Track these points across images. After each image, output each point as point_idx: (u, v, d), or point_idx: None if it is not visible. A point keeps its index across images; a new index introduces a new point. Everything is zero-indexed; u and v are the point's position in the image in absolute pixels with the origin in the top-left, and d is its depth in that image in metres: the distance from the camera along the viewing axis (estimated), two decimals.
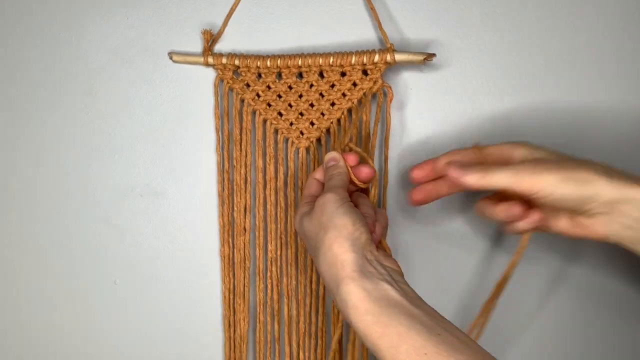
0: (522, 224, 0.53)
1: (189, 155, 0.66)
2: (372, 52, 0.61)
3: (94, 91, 0.66)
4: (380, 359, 0.42)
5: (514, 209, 0.52)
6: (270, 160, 0.64)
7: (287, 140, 0.64)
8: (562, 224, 0.53)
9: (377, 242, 0.51)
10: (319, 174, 0.56)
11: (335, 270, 0.45)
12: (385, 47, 0.61)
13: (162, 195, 0.67)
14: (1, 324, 0.70)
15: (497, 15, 0.63)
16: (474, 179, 0.50)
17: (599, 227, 0.50)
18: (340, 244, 0.46)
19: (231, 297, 0.66)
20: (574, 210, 0.50)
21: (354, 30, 0.63)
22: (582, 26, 0.62)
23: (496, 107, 0.63)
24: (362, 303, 0.43)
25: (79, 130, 0.67)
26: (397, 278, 0.46)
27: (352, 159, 0.55)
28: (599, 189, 0.48)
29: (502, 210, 0.52)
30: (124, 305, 0.69)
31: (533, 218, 0.52)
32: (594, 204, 0.49)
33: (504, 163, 0.52)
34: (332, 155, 0.55)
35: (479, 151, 0.55)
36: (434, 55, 0.60)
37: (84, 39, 0.66)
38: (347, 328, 0.66)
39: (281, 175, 0.64)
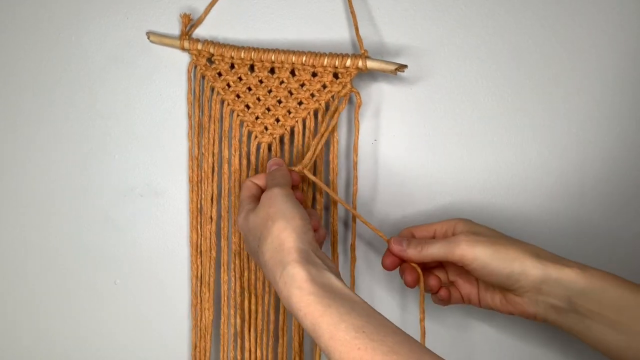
0: (435, 297, 0.58)
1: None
2: (344, 56, 0.60)
3: (94, 91, 0.66)
4: (317, 337, 0.43)
5: (442, 293, 0.57)
6: (235, 152, 0.64)
7: (250, 133, 0.63)
8: (496, 300, 0.56)
9: None
10: (258, 180, 0.57)
11: (282, 255, 0.46)
12: (359, 52, 0.60)
13: (162, 195, 0.67)
14: (1, 324, 0.70)
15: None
16: (414, 252, 0.55)
17: (527, 306, 0.53)
18: (288, 234, 0.47)
19: (198, 284, 0.66)
20: (506, 287, 0.53)
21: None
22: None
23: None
24: (306, 284, 0.44)
25: (79, 130, 0.67)
26: (338, 274, 0.47)
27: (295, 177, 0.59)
28: (526, 267, 0.51)
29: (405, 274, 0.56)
30: (124, 305, 0.68)
31: (441, 294, 0.57)
32: (522, 283, 0.52)
33: (448, 236, 0.57)
34: (276, 160, 0.58)
35: (425, 229, 0.59)
36: (405, 66, 0.59)
37: (84, 39, 0.65)
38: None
39: (245, 168, 0.64)
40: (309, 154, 0.59)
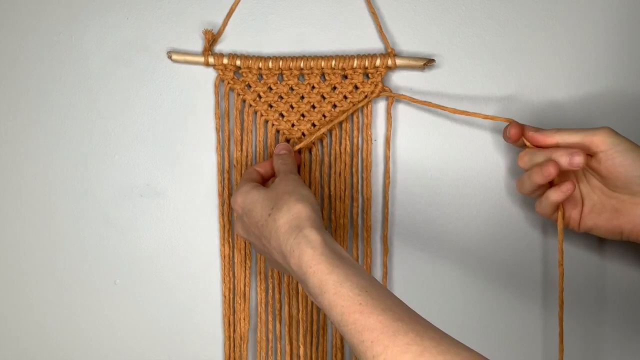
0: (554, 193, 0.56)
1: (189, 155, 0.66)
2: (373, 56, 0.62)
3: (94, 91, 0.66)
4: (322, 294, 0.47)
5: (549, 167, 0.54)
6: None
7: (288, 141, 0.65)
8: (603, 217, 0.56)
9: None
10: (261, 167, 0.61)
11: (299, 221, 0.51)
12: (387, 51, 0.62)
13: (162, 195, 0.67)
14: (1, 324, 0.69)
15: (497, 16, 0.64)
16: (542, 136, 0.56)
17: None
18: (305, 206, 0.52)
19: (231, 296, 0.66)
20: (631, 186, 0.53)
21: (355, 31, 0.64)
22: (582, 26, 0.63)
23: (497, 109, 0.65)
24: (319, 245, 0.49)
25: (79, 130, 0.66)
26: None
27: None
28: None
29: (538, 172, 0.55)
30: (124, 305, 0.69)
31: (566, 186, 0.55)
32: None
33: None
34: (285, 144, 0.62)
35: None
36: (433, 61, 0.62)
37: (83, 39, 0.65)
38: None
39: None
40: (308, 139, 0.63)
